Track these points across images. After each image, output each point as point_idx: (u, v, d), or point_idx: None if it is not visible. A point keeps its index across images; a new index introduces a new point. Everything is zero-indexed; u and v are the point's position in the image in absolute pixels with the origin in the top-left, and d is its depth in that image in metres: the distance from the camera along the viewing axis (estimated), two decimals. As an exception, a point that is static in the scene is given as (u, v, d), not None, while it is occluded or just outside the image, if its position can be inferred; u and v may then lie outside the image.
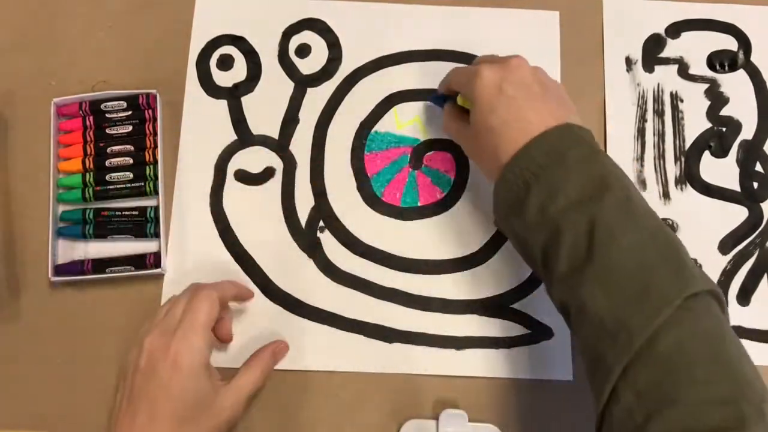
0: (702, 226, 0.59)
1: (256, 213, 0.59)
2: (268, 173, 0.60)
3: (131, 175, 0.58)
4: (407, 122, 0.61)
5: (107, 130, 0.59)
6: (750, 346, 0.56)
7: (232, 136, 0.61)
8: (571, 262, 0.44)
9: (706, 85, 0.63)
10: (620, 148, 0.61)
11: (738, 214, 0.60)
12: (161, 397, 0.45)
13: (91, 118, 0.59)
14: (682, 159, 0.61)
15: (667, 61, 0.63)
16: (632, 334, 0.40)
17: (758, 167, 0.61)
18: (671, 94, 0.63)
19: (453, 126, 0.55)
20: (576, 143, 0.47)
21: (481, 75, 0.49)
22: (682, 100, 0.62)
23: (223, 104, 0.61)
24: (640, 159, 0.61)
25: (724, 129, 0.62)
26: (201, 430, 0.46)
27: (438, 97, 0.59)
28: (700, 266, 0.58)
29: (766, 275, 0.58)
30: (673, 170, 0.61)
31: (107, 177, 0.58)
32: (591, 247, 0.43)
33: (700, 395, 0.39)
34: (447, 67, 0.62)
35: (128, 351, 0.50)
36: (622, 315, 0.41)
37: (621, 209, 0.44)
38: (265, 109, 0.61)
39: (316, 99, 0.62)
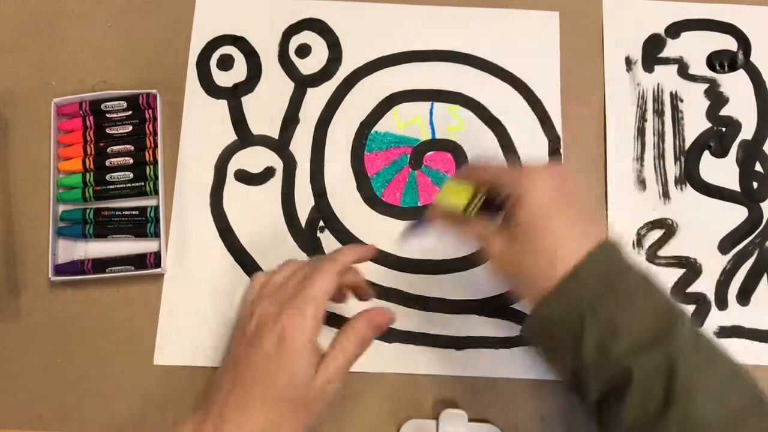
0: (702, 226, 0.59)
1: (256, 213, 0.59)
2: (268, 173, 0.60)
3: (131, 175, 0.58)
4: (407, 122, 0.62)
5: (107, 130, 0.59)
6: (750, 346, 0.56)
7: (232, 136, 0.61)
8: (645, 408, 0.39)
9: (706, 85, 0.63)
10: (620, 148, 0.61)
11: (738, 214, 0.60)
12: (262, 368, 0.43)
13: (91, 118, 0.59)
14: (682, 159, 0.61)
15: (666, 61, 0.63)
16: None
17: (758, 167, 0.61)
18: (671, 94, 0.63)
19: (481, 226, 0.46)
20: (627, 266, 0.42)
21: (536, 177, 0.43)
22: (681, 100, 0.62)
23: (223, 104, 0.61)
24: (640, 159, 0.61)
25: (723, 129, 0.62)
26: (295, 410, 0.44)
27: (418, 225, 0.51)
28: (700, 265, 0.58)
29: (765, 275, 0.58)
30: (672, 170, 0.61)
31: (107, 177, 0.58)
32: (670, 393, 0.38)
33: None
34: (447, 67, 0.63)
35: (240, 314, 0.48)
36: None
37: (695, 346, 0.40)
38: (265, 109, 0.61)
39: (316, 99, 0.62)
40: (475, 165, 0.48)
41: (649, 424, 0.39)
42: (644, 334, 0.39)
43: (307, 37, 0.63)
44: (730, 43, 0.64)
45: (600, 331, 0.40)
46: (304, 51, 0.63)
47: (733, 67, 0.63)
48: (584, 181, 0.48)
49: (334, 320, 0.56)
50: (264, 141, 0.61)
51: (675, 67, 0.63)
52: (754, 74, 0.63)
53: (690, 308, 0.57)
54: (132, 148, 0.59)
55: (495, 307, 0.57)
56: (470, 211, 0.45)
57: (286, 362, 0.43)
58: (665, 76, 0.63)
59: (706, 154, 0.61)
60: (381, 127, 0.61)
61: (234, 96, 0.62)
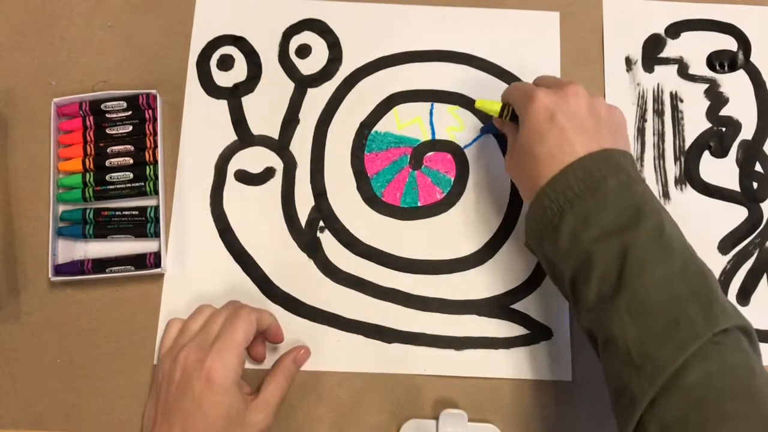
0: (702, 226, 0.59)
1: (256, 213, 0.59)
2: (268, 173, 0.60)
3: (131, 175, 0.58)
4: (407, 122, 0.61)
5: (107, 130, 0.59)
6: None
7: (232, 136, 0.61)
8: (600, 291, 0.44)
9: (706, 85, 0.63)
10: (620, 148, 0.61)
11: (737, 214, 0.60)
12: (195, 411, 0.46)
13: (91, 118, 0.59)
14: (682, 159, 0.61)
15: (666, 61, 0.63)
16: (658, 367, 0.40)
17: (758, 167, 0.61)
18: (671, 94, 0.63)
19: (509, 133, 0.55)
20: (614, 171, 0.46)
21: (535, 99, 0.49)
22: (681, 100, 0.62)
23: (223, 104, 0.61)
24: (640, 159, 0.61)
25: (723, 129, 0.62)
26: None
27: (488, 126, 0.60)
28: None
29: (765, 275, 0.58)
30: (672, 170, 0.61)
31: (107, 177, 0.58)
32: (621, 277, 0.43)
33: (730, 430, 0.38)
34: (447, 67, 0.63)
35: (160, 362, 0.51)
36: (649, 347, 0.41)
37: (654, 240, 0.44)
38: (265, 110, 0.61)
39: (316, 99, 0.62)
40: (506, 90, 0.55)
41: (604, 305, 0.43)
42: (609, 226, 0.44)
43: (307, 37, 0.63)
44: (730, 43, 0.64)
45: (575, 222, 0.45)
46: (304, 51, 0.63)
47: (733, 67, 0.63)
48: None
49: (337, 321, 0.56)
50: (264, 141, 0.61)
51: (675, 67, 0.63)
52: (754, 74, 0.63)
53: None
54: (132, 148, 0.59)
55: (495, 307, 0.57)
56: (505, 116, 0.54)
57: (215, 400, 0.46)
58: (665, 76, 0.63)
59: (706, 154, 0.61)
60: (381, 127, 0.61)
61: (234, 96, 0.62)
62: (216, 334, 0.49)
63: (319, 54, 0.63)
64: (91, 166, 0.58)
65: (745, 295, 0.58)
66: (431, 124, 0.61)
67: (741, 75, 0.63)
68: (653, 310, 0.42)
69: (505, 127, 0.55)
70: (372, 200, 0.60)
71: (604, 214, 0.44)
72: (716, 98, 0.63)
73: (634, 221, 0.44)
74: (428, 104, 0.62)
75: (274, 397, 0.50)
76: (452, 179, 0.60)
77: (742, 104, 0.62)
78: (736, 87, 0.63)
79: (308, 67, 0.63)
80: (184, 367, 0.48)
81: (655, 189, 0.60)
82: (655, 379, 0.40)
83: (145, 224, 0.57)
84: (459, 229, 0.59)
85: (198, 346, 0.48)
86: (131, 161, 0.58)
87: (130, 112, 0.60)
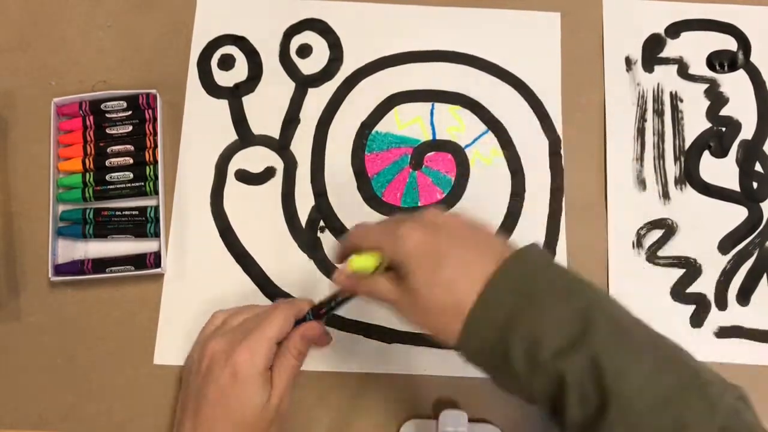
0: (701, 226, 0.59)
1: (256, 213, 0.59)
2: (268, 173, 0.60)
3: (131, 175, 0.58)
4: (408, 123, 0.62)
5: (107, 130, 0.59)
6: (749, 346, 0.56)
7: (232, 136, 0.61)
8: (584, 409, 0.39)
9: (706, 85, 0.63)
10: (620, 148, 0.61)
11: (737, 214, 0.60)
12: (220, 401, 0.47)
13: (91, 118, 0.59)
14: (682, 159, 0.61)
15: (666, 61, 0.63)
16: None
17: (758, 167, 0.61)
18: (671, 94, 0.63)
19: (387, 286, 0.44)
20: (532, 274, 0.41)
21: (409, 235, 0.42)
22: (681, 100, 0.63)
23: (224, 104, 0.61)
24: (640, 159, 0.61)
25: (723, 129, 0.62)
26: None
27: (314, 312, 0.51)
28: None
29: (765, 275, 0.58)
30: (672, 170, 0.61)
31: (107, 177, 0.58)
32: (603, 392, 0.38)
33: None
34: (448, 67, 0.63)
35: (193, 350, 0.52)
36: None
37: (616, 339, 0.40)
38: (265, 109, 0.61)
39: (317, 99, 0.62)
40: (355, 234, 0.47)
41: (593, 425, 0.39)
42: (564, 338, 0.39)
43: (308, 37, 0.63)
44: (730, 43, 0.64)
45: (525, 345, 0.40)
46: (305, 51, 0.63)
47: (733, 67, 0.63)
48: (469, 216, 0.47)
49: (337, 321, 0.56)
50: (265, 141, 0.61)
51: (675, 67, 0.63)
52: (754, 74, 0.63)
53: (690, 308, 0.57)
54: (132, 148, 0.59)
55: (495, 307, 0.57)
56: (379, 271, 0.45)
57: (240, 393, 0.47)
58: (665, 76, 0.63)
59: (706, 154, 0.61)
60: (382, 127, 0.61)
61: (235, 96, 0.62)
62: (249, 328, 0.49)
63: (320, 54, 0.63)
64: (91, 166, 0.58)
65: (745, 295, 0.58)
66: (432, 124, 0.61)
67: (741, 75, 0.63)
68: (649, 417, 0.38)
69: (371, 282, 0.45)
70: (372, 200, 0.60)
71: (550, 326, 0.40)
72: (716, 98, 0.63)
73: (586, 326, 0.39)
74: (429, 104, 0.62)
75: (284, 379, 0.48)
76: (453, 179, 0.60)
77: (742, 104, 0.62)
78: (736, 87, 0.63)
79: (309, 66, 0.63)
80: (211, 357, 0.48)
81: (655, 189, 0.60)
82: None
83: (145, 224, 0.57)
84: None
85: (228, 338, 0.48)
86: (131, 161, 0.58)
87: (130, 112, 0.60)
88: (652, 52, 0.64)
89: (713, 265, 0.59)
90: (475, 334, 0.41)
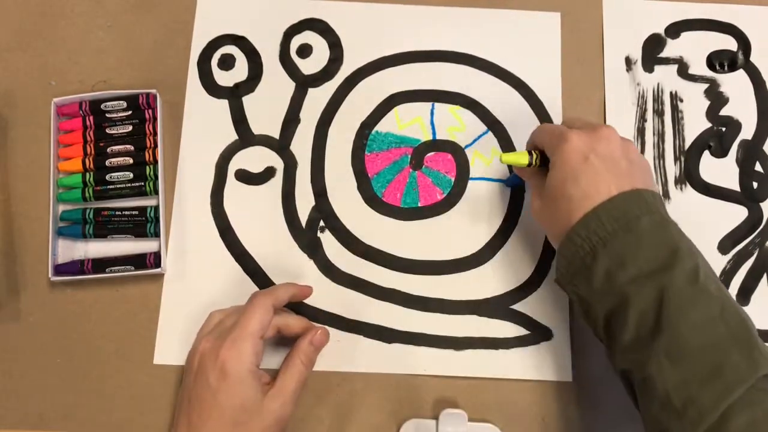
0: (701, 226, 0.59)
1: (256, 213, 0.59)
2: (268, 173, 0.60)
3: (131, 175, 0.58)
4: (408, 123, 0.61)
5: (107, 130, 0.59)
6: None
7: (232, 136, 0.61)
8: (638, 332, 0.43)
9: (706, 85, 0.63)
10: (620, 148, 0.61)
11: (737, 213, 0.60)
12: (210, 401, 0.47)
13: (91, 117, 0.59)
14: (682, 159, 0.61)
15: (666, 61, 0.63)
16: (702, 412, 0.40)
17: (758, 167, 0.61)
18: (671, 93, 0.63)
19: (533, 178, 0.53)
20: (646, 210, 0.46)
21: (569, 140, 0.48)
22: (681, 100, 0.63)
23: (224, 104, 0.61)
24: (640, 159, 0.61)
25: (723, 129, 0.62)
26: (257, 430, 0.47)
27: (512, 178, 0.59)
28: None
29: (765, 275, 0.59)
30: (672, 170, 0.61)
31: (107, 177, 0.58)
32: (659, 319, 0.42)
33: None
34: (448, 67, 0.63)
35: (190, 350, 0.52)
36: (691, 391, 0.41)
37: (691, 282, 0.43)
38: (266, 109, 0.61)
39: (317, 99, 0.62)
40: (534, 132, 0.54)
41: (642, 347, 0.43)
42: (646, 267, 0.44)
43: (308, 37, 0.63)
44: (730, 43, 0.64)
45: (609, 262, 0.45)
46: (305, 51, 0.63)
47: (733, 67, 0.63)
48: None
49: (337, 321, 0.56)
50: (265, 141, 0.61)
51: (675, 67, 0.63)
52: (754, 74, 0.63)
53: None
54: (132, 148, 0.59)
55: (495, 307, 0.57)
56: (534, 164, 0.52)
57: (232, 392, 0.47)
58: (665, 76, 0.63)
59: (706, 153, 0.61)
60: (382, 127, 0.61)
61: (235, 96, 0.62)
62: (233, 323, 0.49)
63: (320, 54, 0.63)
64: (91, 165, 0.58)
65: (745, 295, 0.58)
66: (432, 124, 0.61)
67: (741, 75, 0.63)
68: (694, 354, 0.41)
69: (526, 174, 0.54)
70: (372, 200, 0.60)
71: (639, 254, 0.44)
72: (716, 98, 0.63)
73: (670, 262, 0.44)
74: (429, 104, 0.62)
75: (291, 384, 0.49)
76: (453, 179, 0.60)
77: (742, 104, 0.62)
78: (736, 87, 0.63)
79: (309, 66, 0.63)
80: (201, 357, 0.49)
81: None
82: (698, 424, 0.40)
83: (145, 224, 0.57)
84: (459, 230, 0.59)
85: (216, 336, 0.49)
86: (131, 161, 0.58)
87: (130, 112, 0.60)
88: (652, 52, 0.64)
89: (713, 265, 0.57)
90: (572, 242, 0.46)
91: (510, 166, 0.59)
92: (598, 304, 0.46)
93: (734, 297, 0.58)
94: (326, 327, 0.54)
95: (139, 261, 0.56)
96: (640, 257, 0.44)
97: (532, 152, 0.52)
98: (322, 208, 0.59)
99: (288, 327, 0.52)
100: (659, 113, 0.62)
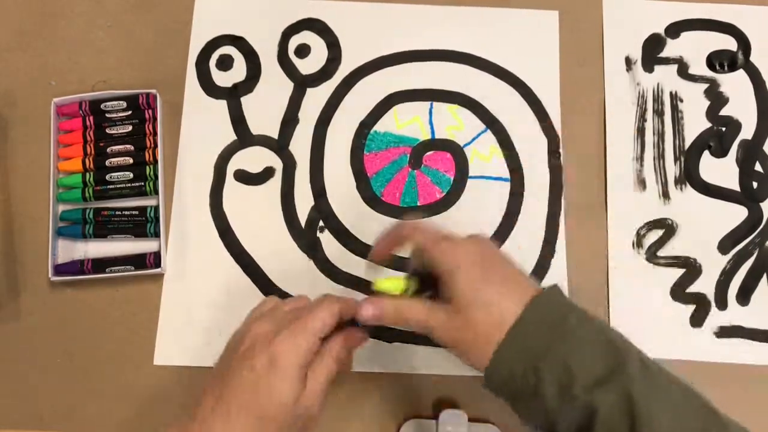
0: (701, 226, 0.59)
1: (255, 213, 0.59)
2: (267, 173, 0.60)
3: (131, 175, 0.58)
4: (407, 122, 0.62)
5: (107, 130, 0.59)
6: (749, 346, 0.56)
7: (231, 136, 0.61)
8: None
9: (706, 85, 0.63)
10: (620, 148, 0.61)
11: (737, 213, 0.60)
12: (249, 384, 0.44)
13: (91, 118, 0.59)
14: (682, 159, 0.61)
15: (666, 61, 0.63)
16: None
17: (758, 167, 0.61)
18: (671, 93, 0.63)
19: (420, 306, 0.45)
20: (566, 309, 0.43)
21: (462, 245, 0.45)
22: (681, 100, 0.62)
23: (222, 104, 0.61)
24: (640, 159, 0.61)
25: (723, 129, 0.62)
26: (278, 429, 0.44)
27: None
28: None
29: (765, 275, 0.58)
30: (672, 170, 0.61)
31: (107, 177, 0.58)
32: (634, 423, 0.40)
33: None
34: (446, 66, 0.63)
35: (239, 328, 0.48)
36: None
37: (646, 377, 0.41)
38: (264, 109, 0.61)
39: (315, 99, 0.62)
40: (401, 229, 0.48)
41: None
42: (598, 370, 0.41)
43: (306, 37, 0.63)
44: (730, 43, 0.64)
45: (557, 376, 0.41)
46: (303, 51, 0.63)
47: (733, 67, 0.63)
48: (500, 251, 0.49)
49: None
50: (263, 141, 0.61)
51: (675, 67, 0.63)
52: (753, 74, 0.63)
53: (690, 308, 0.57)
54: (132, 148, 0.59)
55: (495, 307, 0.57)
56: (408, 292, 0.46)
57: (274, 383, 0.44)
58: (665, 76, 0.63)
59: (706, 153, 0.61)
60: (380, 126, 0.61)
61: (233, 96, 0.62)
62: (295, 316, 0.46)
63: (318, 54, 0.63)
64: (91, 165, 0.58)
65: (745, 295, 0.58)
66: (431, 123, 0.61)
67: (741, 75, 0.63)
68: None
69: (401, 303, 0.46)
70: (372, 200, 0.60)
71: (584, 359, 0.41)
72: (716, 98, 0.62)
73: (619, 360, 0.41)
74: (427, 103, 0.62)
75: (320, 384, 0.45)
76: (452, 178, 0.60)
77: (742, 104, 0.62)
78: (736, 87, 0.63)
79: (307, 66, 0.63)
80: (253, 339, 0.45)
81: (655, 189, 0.60)
82: None
83: (145, 224, 0.57)
84: (458, 229, 0.59)
85: (273, 323, 0.46)
86: (131, 161, 0.59)
87: (130, 112, 0.60)
88: (652, 51, 0.63)
89: (713, 264, 0.58)
90: (508, 359, 0.42)
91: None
92: (562, 419, 0.42)
93: (734, 297, 0.58)
94: (363, 331, 0.48)
95: (139, 261, 0.57)
96: (587, 363, 0.41)
97: (409, 279, 0.47)
98: (322, 208, 0.59)
99: (345, 311, 0.47)
100: (659, 113, 0.62)
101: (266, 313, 0.48)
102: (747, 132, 0.62)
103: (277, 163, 0.60)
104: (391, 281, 0.47)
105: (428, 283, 0.46)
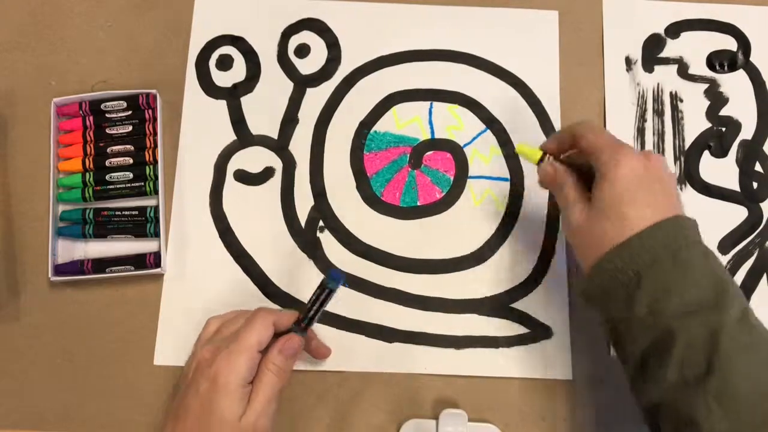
0: (701, 226, 0.58)
1: (255, 213, 0.59)
2: (267, 173, 0.60)
3: (131, 175, 0.58)
4: (406, 122, 0.62)
5: (107, 130, 0.59)
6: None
7: (231, 136, 0.61)
8: (682, 372, 0.41)
9: (706, 85, 0.63)
10: (620, 148, 0.61)
11: (737, 213, 0.60)
12: (197, 410, 0.47)
13: (91, 118, 0.59)
14: (682, 159, 0.61)
15: (666, 61, 0.63)
16: None
17: (758, 167, 0.61)
18: (671, 93, 0.63)
19: (572, 193, 0.49)
20: (693, 240, 0.45)
21: (628, 158, 0.46)
22: (681, 100, 0.62)
23: (222, 104, 0.61)
24: (640, 159, 0.61)
25: (723, 129, 0.62)
26: None
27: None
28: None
29: (765, 275, 0.58)
30: (672, 170, 0.61)
31: (107, 177, 0.58)
32: (711, 362, 0.40)
33: None
34: (446, 66, 0.63)
35: (190, 355, 0.52)
36: None
37: (742, 325, 0.42)
38: (264, 110, 0.61)
39: (315, 99, 0.62)
40: (581, 127, 0.50)
41: (687, 388, 0.41)
42: (694, 301, 0.42)
43: (306, 37, 0.63)
44: (730, 43, 0.64)
45: (654, 290, 0.43)
46: (303, 51, 0.63)
47: (733, 67, 0.63)
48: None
49: (337, 321, 0.56)
50: (263, 141, 0.61)
51: (675, 67, 0.63)
52: (754, 74, 0.63)
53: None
54: (132, 148, 0.59)
55: (495, 306, 0.57)
56: (543, 164, 0.50)
57: (216, 402, 0.46)
58: (665, 76, 0.63)
59: (706, 154, 0.61)
60: (380, 126, 0.61)
61: (233, 96, 0.62)
62: (233, 335, 0.49)
63: (318, 53, 0.63)
64: (91, 166, 0.58)
65: (745, 295, 0.58)
66: (430, 123, 0.61)
67: (741, 75, 0.63)
68: (746, 402, 0.40)
69: (562, 180, 0.50)
70: (371, 200, 0.60)
71: (686, 287, 0.43)
72: (716, 98, 0.62)
73: (720, 301, 0.42)
74: (427, 103, 0.62)
75: (263, 396, 0.47)
76: (452, 178, 0.60)
77: (742, 104, 0.62)
78: (736, 87, 0.63)
79: (307, 66, 0.63)
80: (198, 364, 0.48)
81: (655, 189, 0.60)
82: None
83: (144, 224, 0.57)
84: (458, 229, 0.59)
85: (214, 346, 0.48)
86: (131, 161, 0.59)
87: (130, 112, 0.60)
88: (652, 52, 0.63)
89: (713, 264, 0.58)
90: (612, 264, 0.44)
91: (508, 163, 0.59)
92: (637, 335, 0.44)
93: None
94: (298, 336, 0.50)
95: (139, 261, 0.57)
96: (687, 291, 0.42)
97: (545, 155, 0.50)
98: (321, 208, 0.59)
99: (280, 322, 0.50)
100: (659, 113, 0.62)
101: (211, 338, 0.51)
102: (747, 132, 0.62)
103: (277, 163, 0.60)
104: (531, 149, 0.51)
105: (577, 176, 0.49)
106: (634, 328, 0.44)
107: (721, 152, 0.61)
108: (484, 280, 0.58)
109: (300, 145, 0.61)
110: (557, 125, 0.61)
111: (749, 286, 0.58)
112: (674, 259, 0.43)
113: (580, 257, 0.48)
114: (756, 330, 0.42)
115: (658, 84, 0.63)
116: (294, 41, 0.63)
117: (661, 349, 0.42)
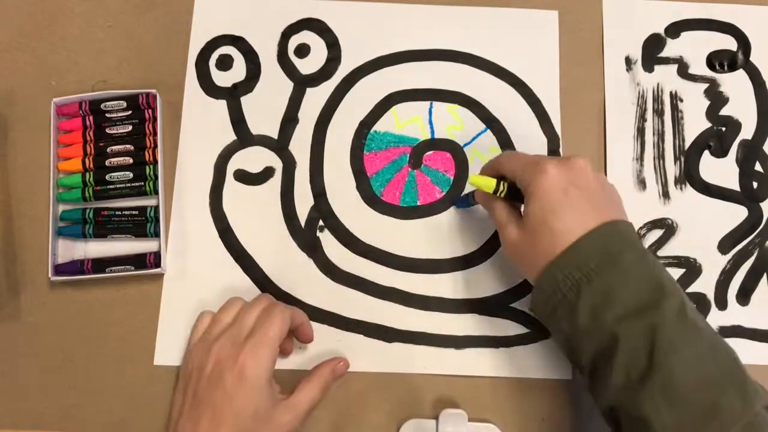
0: (701, 226, 0.59)
1: (255, 213, 0.59)
2: (267, 173, 0.60)
3: (131, 175, 0.58)
4: (406, 122, 0.62)
5: (107, 130, 0.59)
6: (749, 346, 0.56)
7: (231, 136, 0.61)
8: (628, 372, 0.43)
9: (706, 85, 0.63)
10: (620, 148, 0.61)
11: (737, 213, 0.60)
12: (225, 406, 0.46)
13: (91, 117, 0.59)
14: (682, 159, 0.61)
15: (666, 61, 0.63)
16: None
17: (758, 167, 0.61)
18: (671, 93, 0.63)
19: (503, 214, 0.51)
20: (628, 244, 0.45)
21: (547, 171, 0.47)
22: (681, 100, 0.62)
23: (222, 104, 0.61)
24: (640, 158, 0.61)
25: (723, 129, 0.62)
26: None
27: (463, 199, 0.59)
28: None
29: (765, 275, 0.58)
30: (672, 170, 0.61)
31: (107, 177, 0.58)
32: (652, 359, 0.42)
33: None
34: (446, 66, 0.63)
35: (190, 352, 0.51)
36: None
37: (680, 319, 0.43)
38: (264, 109, 0.61)
39: (315, 99, 0.62)
40: (504, 157, 0.52)
41: (633, 389, 0.42)
42: (633, 304, 0.43)
43: (306, 36, 0.63)
44: (730, 43, 0.64)
45: (594, 299, 0.44)
46: (303, 51, 0.63)
47: (732, 67, 0.63)
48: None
49: (337, 321, 0.56)
50: (263, 141, 0.61)
51: (675, 66, 0.63)
52: (753, 74, 0.63)
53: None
54: (132, 147, 0.59)
55: (495, 305, 0.57)
56: (500, 193, 0.50)
57: (248, 397, 0.47)
58: (665, 76, 0.63)
59: (706, 153, 0.61)
60: (380, 126, 0.61)
61: (233, 96, 0.62)
62: (250, 328, 0.49)
63: (318, 53, 0.63)
64: (91, 165, 0.58)
65: (745, 295, 0.58)
66: (430, 123, 0.61)
67: (741, 75, 0.63)
68: (689, 394, 0.41)
69: (491, 203, 0.52)
70: (371, 199, 0.60)
71: (625, 290, 0.44)
72: (716, 98, 0.62)
73: (657, 298, 0.43)
74: (427, 103, 0.62)
75: (306, 402, 0.50)
76: (451, 178, 0.60)
77: (742, 104, 0.62)
78: (736, 87, 0.63)
79: (307, 66, 0.63)
80: (218, 360, 0.48)
81: (655, 189, 0.60)
82: None
83: (145, 224, 0.57)
84: (458, 228, 0.59)
85: (232, 340, 0.48)
86: (131, 161, 0.59)
87: (129, 112, 0.60)
88: (652, 51, 0.63)
89: (713, 264, 0.59)
90: (556, 272, 0.45)
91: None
92: (583, 343, 0.45)
93: (734, 297, 0.58)
94: (347, 359, 0.54)
95: (139, 261, 0.57)
96: (626, 294, 0.43)
97: (501, 182, 0.50)
98: (321, 208, 0.59)
99: (294, 316, 0.52)
100: (659, 113, 0.62)
101: (216, 329, 0.51)
102: (747, 132, 0.62)
103: (277, 163, 0.60)
104: (485, 179, 0.51)
105: (519, 198, 0.50)
106: (580, 337, 0.45)
107: (721, 152, 0.61)
108: (484, 280, 0.58)
109: (300, 144, 0.61)
110: (557, 125, 0.61)
111: (749, 286, 0.58)
112: (609, 265, 0.44)
113: (524, 275, 0.50)
114: (693, 322, 0.43)
115: (658, 84, 0.63)
116: (294, 41, 0.63)
117: (606, 354, 0.43)
